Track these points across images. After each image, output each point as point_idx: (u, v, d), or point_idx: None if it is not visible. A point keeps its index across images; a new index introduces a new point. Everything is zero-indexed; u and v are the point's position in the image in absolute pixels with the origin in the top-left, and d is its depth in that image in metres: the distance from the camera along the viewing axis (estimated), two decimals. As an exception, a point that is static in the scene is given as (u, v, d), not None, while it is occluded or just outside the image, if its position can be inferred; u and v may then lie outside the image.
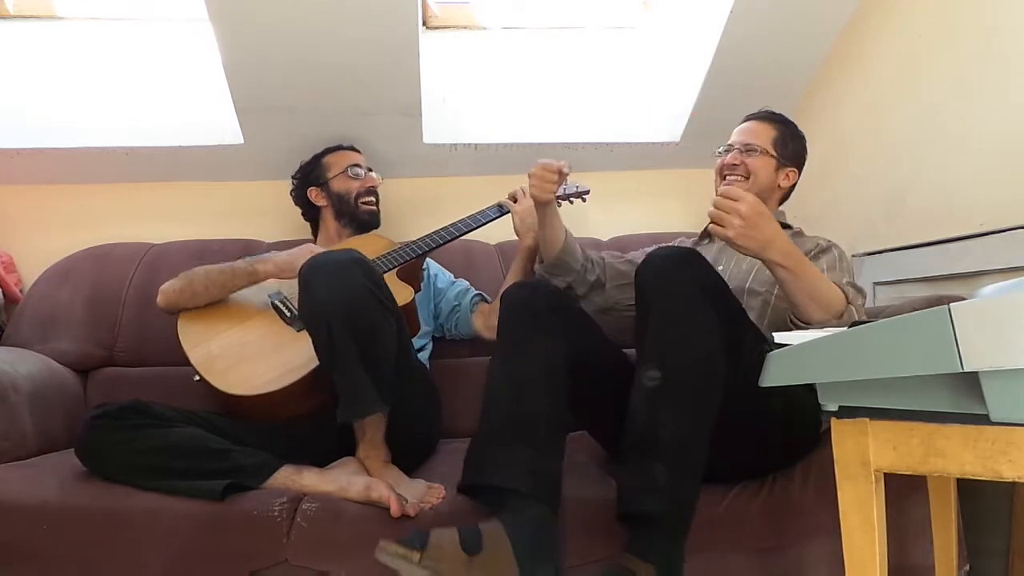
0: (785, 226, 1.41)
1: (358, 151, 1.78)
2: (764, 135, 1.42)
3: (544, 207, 1.39)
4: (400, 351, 1.24)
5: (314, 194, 1.72)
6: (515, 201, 1.57)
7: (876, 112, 1.69)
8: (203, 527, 1.05)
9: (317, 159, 1.75)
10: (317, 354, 1.18)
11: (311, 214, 1.76)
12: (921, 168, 1.53)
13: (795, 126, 1.46)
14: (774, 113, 1.46)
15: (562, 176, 1.36)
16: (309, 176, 1.74)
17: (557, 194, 1.61)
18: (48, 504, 1.07)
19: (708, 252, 1.44)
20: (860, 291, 1.19)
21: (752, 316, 1.27)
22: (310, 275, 1.15)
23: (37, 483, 1.14)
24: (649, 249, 1.15)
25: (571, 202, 1.66)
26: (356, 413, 1.15)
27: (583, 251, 1.48)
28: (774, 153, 1.40)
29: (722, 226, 1.05)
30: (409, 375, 1.30)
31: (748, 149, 1.40)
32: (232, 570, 1.05)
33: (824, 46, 1.83)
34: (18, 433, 1.33)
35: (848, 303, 1.12)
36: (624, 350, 1.31)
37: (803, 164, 1.46)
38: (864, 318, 1.11)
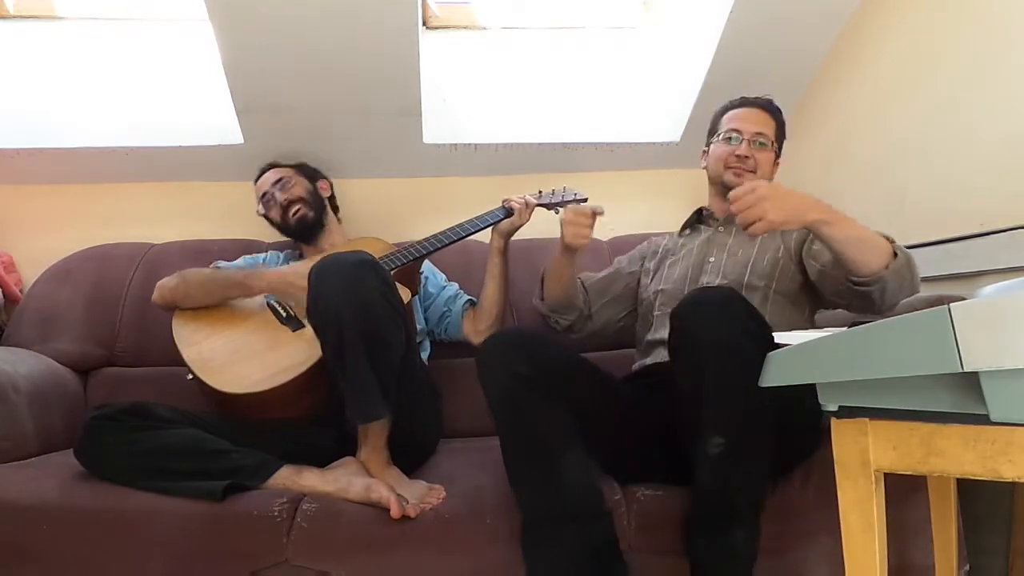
0: None
1: (268, 169, 1.73)
2: (770, 127, 1.40)
3: (574, 253, 1.38)
4: (406, 353, 1.24)
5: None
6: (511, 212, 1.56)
7: (876, 112, 1.69)
8: (203, 527, 1.05)
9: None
10: (325, 355, 1.18)
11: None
12: (921, 168, 1.53)
13: (780, 111, 1.45)
14: (773, 103, 1.44)
15: (595, 218, 1.36)
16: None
17: (553, 201, 1.63)
18: (48, 504, 1.07)
19: (693, 243, 1.44)
20: None
21: None
22: (321, 277, 1.14)
23: (37, 483, 1.13)
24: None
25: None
26: (364, 417, 1.15)
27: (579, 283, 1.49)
28: (775, 148, 1.41)
29: (759, 219, 1.02)
30: (412, 376, 1.30)
31: (760, 142, 1.38)
32: (232, 570, 1.05)
33: (824, 46, 1.82)
34: (18, 433, 1.32)
35: (889, 240, 1.10)
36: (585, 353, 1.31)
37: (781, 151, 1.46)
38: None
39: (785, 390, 0.76)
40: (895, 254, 1.09)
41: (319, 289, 1.14)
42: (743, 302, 1.02)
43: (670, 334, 1.04)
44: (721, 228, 1.42)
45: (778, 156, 1.43)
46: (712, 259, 1.36)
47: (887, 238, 1.12)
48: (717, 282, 1.31)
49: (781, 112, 1.44)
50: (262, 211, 1.69)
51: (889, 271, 1.07)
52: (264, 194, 1.69)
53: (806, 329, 1.25)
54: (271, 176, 1.71)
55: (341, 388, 1.15)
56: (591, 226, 1.36)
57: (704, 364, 0.97)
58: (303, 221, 1.64)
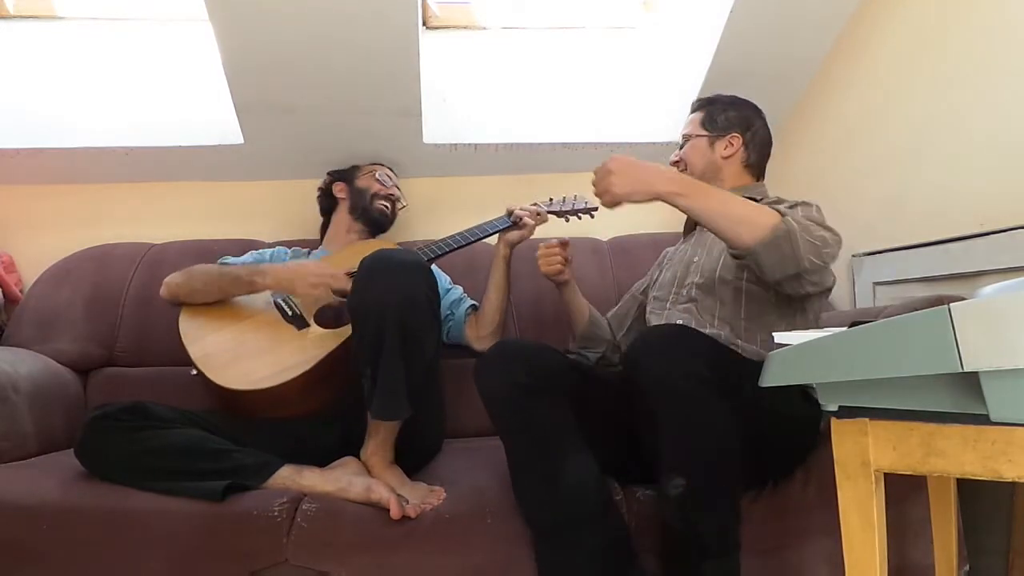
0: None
1: (395, 174, 1.84)
2: (693, 123, 1.44)
3: (563, 285, 1.44)
4: (432, 359, 1.24)
5: (338, 188, 1.77)
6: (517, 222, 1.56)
7: (876, 112, 1.69)
8: (203, 527, 1.05)
9: (357, 165, 1.82)
10: (356, 346, 1.18)
11: (328, 206, 1.79)
12: (921, 168, 1.53)
13: (723, 99, 1.44)
14: (698, 99, 1.49)
15: (564, 247, 1.41)
16: (341, 173, 1.80)
17: (563, 210, 1.63)
18: (48, 504, 1.07)
19: (687, 247, 1.45)
20: (832, 232, 1.15)
21: (726, 309, 1.26)
22: (374, 268, 1.16)
23: (37, 483, 1.13)
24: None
25: (579, 218, 1.66)
26: (389, 414, 1.15)
27: (604, 317, 1.52)
28: (703, 132, 1.41)
29: (606, 192, 1.07)
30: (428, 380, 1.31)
31: (682, 143, 1.45)
32: (232, 570, 1.05)
33: (824, 46, 1.83)
34: (18, 433, 1.32)
35: (781, 214, 1.08)
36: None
37: (748, 125, 1.41)
38: (803, 233, 1.07)
39: (783, 390, 0.76)
40: (779, 225, 1.07)
41: (369, 280, 1.15)
42: (693, 339, 1.02)
43: (626, 376, 1.05)
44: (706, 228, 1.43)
45: (720, 132, 1.40)
46: (697, 259, 1.37)
47: (781, 212, 1.09)
48: (698, 281, 1.32)
49: (715, 100, 1.45)
50: (377, 188, 1.75)
51: (761, 245, 1.06)
52: (386, 175, 1.79)
53: (797, 324, 1.26)
54: (394, 177, 1.83)
55: (366, 380, 1.14)
56: (561, 255, 1.41)
57: (654, 407, 0.98)
58: (384, 215, 1.74)
